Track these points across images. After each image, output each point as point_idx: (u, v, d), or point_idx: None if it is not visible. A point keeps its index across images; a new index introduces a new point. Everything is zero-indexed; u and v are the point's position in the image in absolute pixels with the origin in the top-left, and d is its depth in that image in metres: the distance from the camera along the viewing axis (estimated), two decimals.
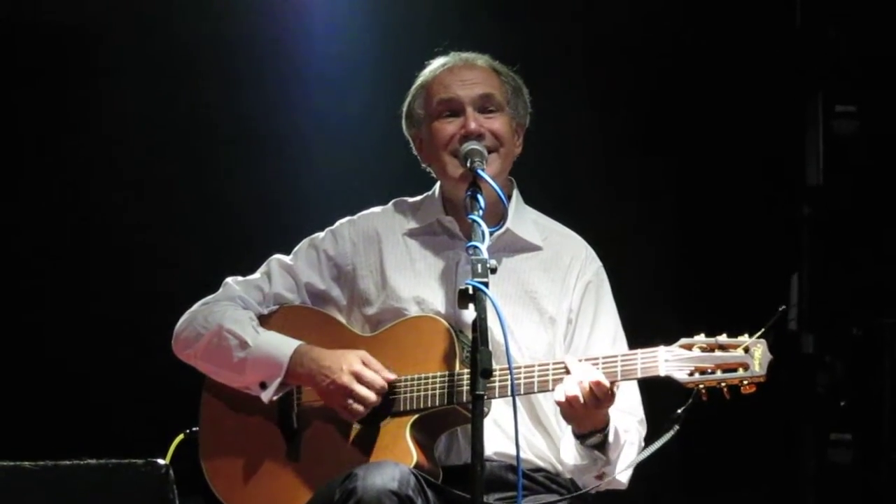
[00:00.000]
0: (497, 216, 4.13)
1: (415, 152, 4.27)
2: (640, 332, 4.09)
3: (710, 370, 3.74)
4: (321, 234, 4.29)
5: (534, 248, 4.19)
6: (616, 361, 3.81)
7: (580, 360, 3.83)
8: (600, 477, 3.96)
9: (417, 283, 4.16)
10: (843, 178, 5.81)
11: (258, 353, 4.08)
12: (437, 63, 4.23)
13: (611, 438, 3.92)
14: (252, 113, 5.86)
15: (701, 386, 3.73)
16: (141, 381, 5.64)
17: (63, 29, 5.81)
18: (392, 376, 3.99)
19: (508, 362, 3.76)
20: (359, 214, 4.32)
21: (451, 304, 4.08)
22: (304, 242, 4.30)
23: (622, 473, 3.98)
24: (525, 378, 3.86)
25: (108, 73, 5.83)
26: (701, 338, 3.77)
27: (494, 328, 3.66)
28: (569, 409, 3.81)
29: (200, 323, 4.17)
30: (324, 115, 5.84)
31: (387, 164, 5.07)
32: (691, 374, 3.74)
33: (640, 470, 4.01)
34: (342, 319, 4.21)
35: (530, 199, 4.30)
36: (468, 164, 4.02)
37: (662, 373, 3.76)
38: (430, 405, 3.94)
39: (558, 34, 5.80)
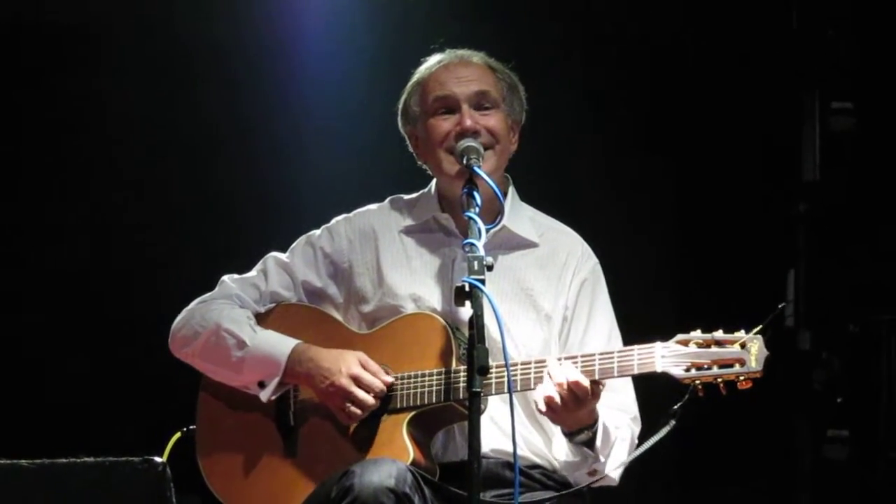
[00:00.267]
0: (493, 213, 4.13)
1: (410, 150, 4.27)
2: (637, 328, 4.08)
3: (706, 366, 3.73)
4: (317, 232, 4.29)
5: (530, 244, 4.19)
6: (612, 358, 3.81)
7: (560, 359, 3.82)
8: (592, 473, 3.96)
9: (414, 281, 4.16)
10: (840, 175, 5.80)
11: (256, 352, 4.08)
12: (432, 60, 4.23)
13: (600, 435, 3.91)
14: (249, 111, 5.86)
15: (697, 382, 3.73)
16: (138, 380, 5.64)
17: (63, 29, 5.81)
18: (390, 379, 3.99)
19: (505, 359, 3.76)
20: (355, 212, 4.32)
21: (447, 301, 4.08)
22: (301, 240, 4.29)
23: (613, 470, 3.99)
24: (521, 375, 3.86)
25: (109, 73, 5.82)
26: (697, 334, 3.77)
27: (491, 325, 3.66)
28: (548, 411, 3.82)
29: (198, 321, 4.17)
30: (320, 113, 5.85)
31: (382, 162, 5.07)
32: (688, 369, 3.74)
33: (636, 466, 4.01)
34: (339, 317, 4.20)
35: (528, 197, 4.30)
36: (465, 162, 4.02)
37: (659, 369, 3.76)
38: (426, 402, 3.94)
39: (556, 31, 5.81)
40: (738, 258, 5.72)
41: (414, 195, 4.30)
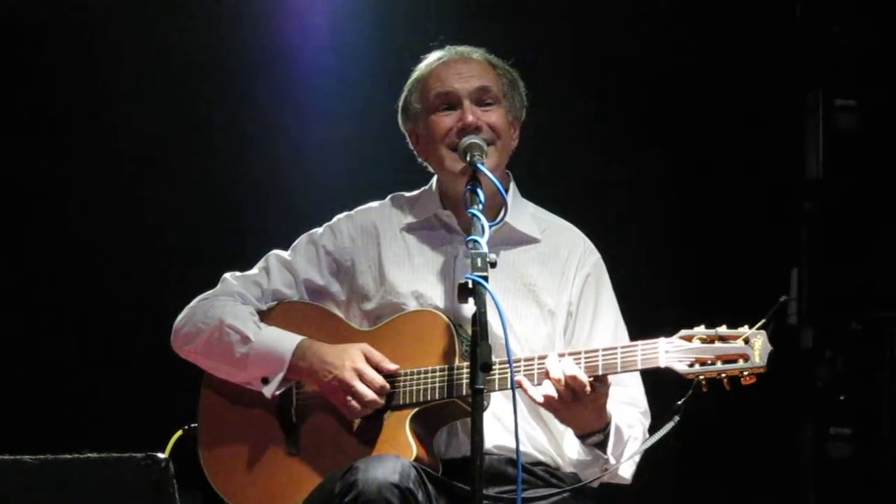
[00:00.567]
0: (495, 210, 4.13)
1: (411, 147, 4.27)
2: (640, 323, 4.08)
3: (710, 361, 3.73)
4: (319, 230, 4.29)
5: (532, 240, 4.19)
6: (616, 353, 3.80)
7: (561, 355, 3.81)
8: (604, 471, 3.95)
9: (416, 278, 4.15)
10: (844, 173, 5.80)
11: (260, 348, 4.08)
12: (432, 57, 4.23)
13: (612, 437, 3.91)
14: (250, 109, 5.86)
15: (701, 377, 3.72)
16: (141, 377, 5.64)
17: (64, 28, 5.81)
18: (394, 367, 3.99)
19: (508, 356, 3.75)
20: (357, 209, 4.32)
21: (449, 298, 4.08)
22: (303, 238, 4.29)
23: (625, 469, 3.98)
24: (525, 371, 3.86)
25: (109, 73, 5.82)
26: (701, 329, 3.76)
27: (494, 322, 3.64)
28: (549, 407, 3.81)
29: (200, 318, 4.16)
30: (321, 110, 5.84)
31: (384, 160, 5.07)
32: (691, 365, 3.73)
33: (639, 461, 4.01)
34: (341, 315, 4.20)
35: (529, 193, 4.30)
36: (468, 159, 4.01)
37: (663, 364, 3.75)
38: (429, 399, 3.94)
39: (556, 28, 5.80)
40: (742, 256, 5.71)
41: (415, 192, 4.30)
